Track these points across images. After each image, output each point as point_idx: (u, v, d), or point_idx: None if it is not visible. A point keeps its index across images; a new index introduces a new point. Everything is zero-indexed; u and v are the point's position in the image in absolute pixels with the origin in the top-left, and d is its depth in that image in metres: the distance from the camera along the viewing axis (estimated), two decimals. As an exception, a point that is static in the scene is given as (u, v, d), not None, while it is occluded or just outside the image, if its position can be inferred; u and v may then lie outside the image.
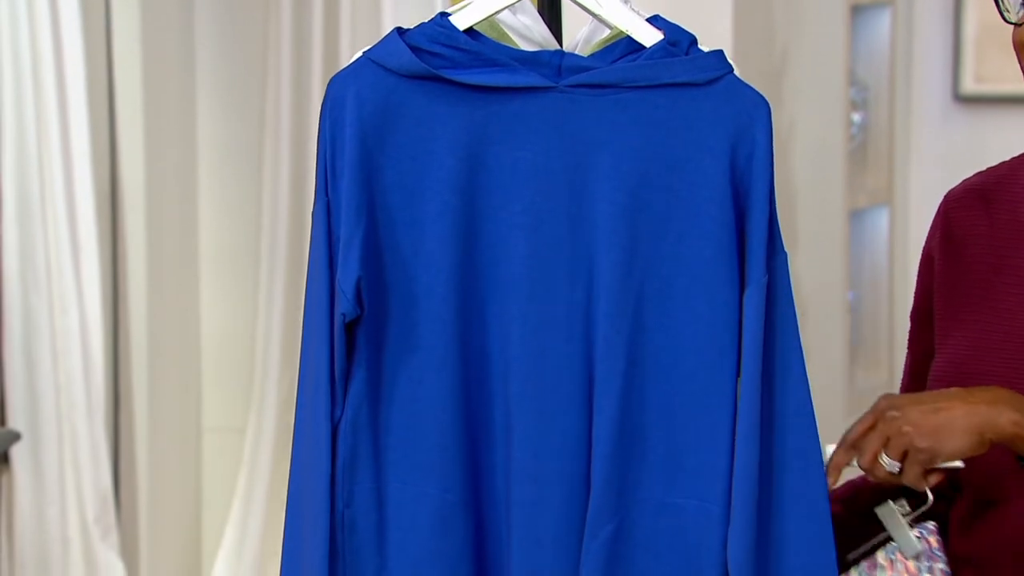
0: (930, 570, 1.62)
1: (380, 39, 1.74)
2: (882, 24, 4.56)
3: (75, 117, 3.54)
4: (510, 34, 1.77)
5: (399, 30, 1.70)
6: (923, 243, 1.87)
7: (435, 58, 1.68)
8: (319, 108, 4.51)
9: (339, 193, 1.68)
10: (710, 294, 1.65)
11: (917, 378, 1.84)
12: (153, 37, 3.81)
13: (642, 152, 1.68)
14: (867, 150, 4.59)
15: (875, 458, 1.61)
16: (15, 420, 3.52)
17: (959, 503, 1.77)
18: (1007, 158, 1.83)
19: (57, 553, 3.60)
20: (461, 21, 1.70)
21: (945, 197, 1.83)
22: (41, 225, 3.50)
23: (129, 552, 3.80)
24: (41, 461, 3.57)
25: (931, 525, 1.63)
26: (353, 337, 1.68)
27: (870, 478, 1.65)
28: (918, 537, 1.62)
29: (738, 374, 1.66)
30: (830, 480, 1.63)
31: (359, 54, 1.74)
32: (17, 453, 3.53)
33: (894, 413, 1.61)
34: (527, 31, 1.78)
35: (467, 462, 1.70)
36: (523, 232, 1.69)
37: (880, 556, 1.63)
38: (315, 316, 1.69)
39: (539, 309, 1.68)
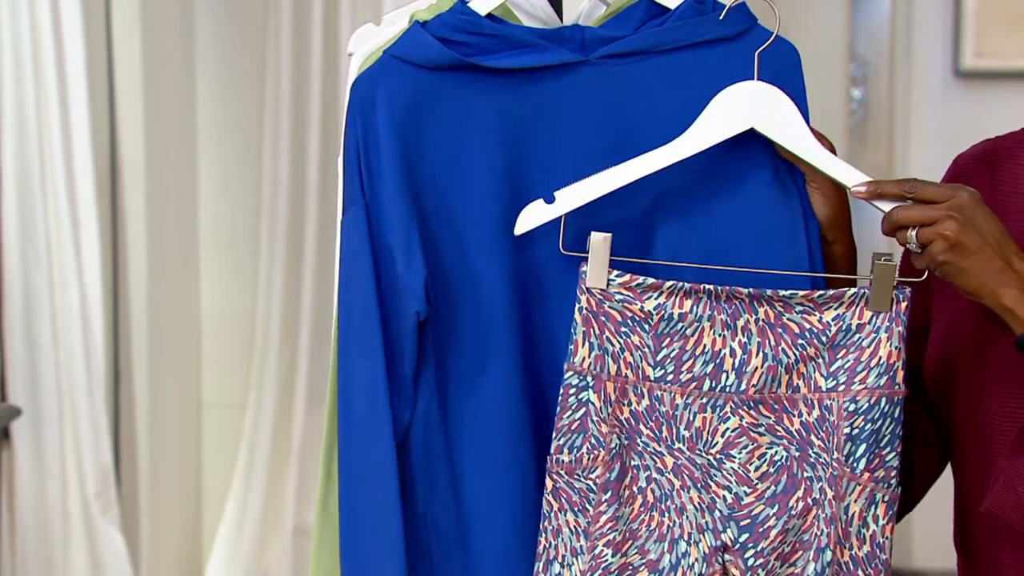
0: (888, 330, 1.64)
1: (394, 29, 1.72)
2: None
3: (75, 94, 3.54)
4: (516, 12, 1.76)
5: (419, 23, 1.69)
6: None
7: (462, 47, 1.66)
8: (319, 87, 4.48)
9: (380, 194, 1.66)
10: (774, 239, 1.67)
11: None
12: (153, 15, 3.80)
13: (682, 113, 1.67)
14: (867, 126, 4.59)
15: (909, 225, 1.61)
16: (16, 396, 3.52)
17: (958, 491, 1.77)
18: (1007, 132, 1.82)
19: (58, 528, 3.60)
20: (482, 6, 1.69)
21: (954, 161, 1.83)
22: (41, 202, 3.50)
23: (129, 527, 3.81)
24: (42, 437, 3.57)
25: (908, 292, 1.65)
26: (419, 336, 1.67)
27: (882, 221, 1.64)
28: (892, 299, 1.64)
29: None
30: (866, 191, 1.65)
31: (379, 51, 1.72)
32: (18, 429, 3.53)
33: (962, 216, 1.60)
34: (531, 8, 1.78)
35: (538, 445, 1.69)
36: None
37: (848, 294, 1.65)
38: (364, 321, 1.65)
39: None
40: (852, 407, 1.63)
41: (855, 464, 1.63)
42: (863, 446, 1.63)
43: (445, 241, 1.67)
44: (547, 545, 1.67)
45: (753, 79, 1.66)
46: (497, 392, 1.68)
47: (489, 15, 1.69)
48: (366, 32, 1.79)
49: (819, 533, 1.63)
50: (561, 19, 1.81)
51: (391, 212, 1.65)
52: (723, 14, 1.68)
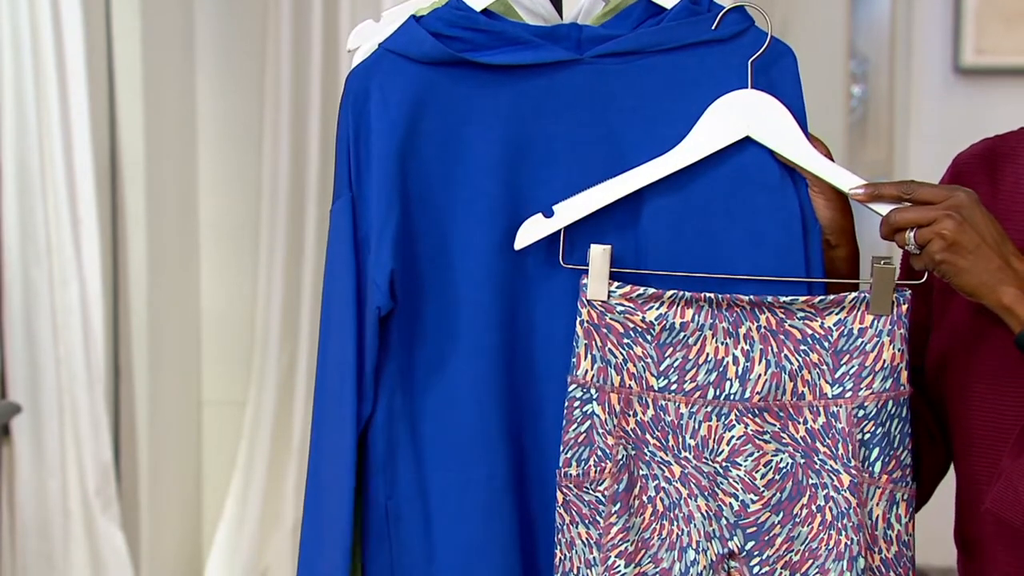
0: (890, 334, 1.63)
1: (393, 27, 1.72)
2: (882, -4, 4.54)
3: (75, 90, 3.53)
4: (517, 9, 1.76)
5: (414, 18, 1.68)
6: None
7: (456, 42, 1.66)
8: (318, 82, 4.47)
9: (366, 187, 1.66)
10: (774, 243, 1.66)
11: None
12: (153, 14, 3.80)
13: (674, 114, 1.67)
14: (867, 123, 4.59)
15: (907, 227, 1.61)
16: (16, 393, 3.52)
17: (958, 490, 1.77)
18: (1007, 130, 1.82)
19: (58, 525, 3.60)
20: (477, 2, 1.68)
21: (954, 160, 1.82)
22: (41, 198, 3.50)
23: (130, 524, 3.81)
24: (42, 434, 3.57)
25: (908, 294, 1.65)
26: (384, 330, 1.67)
27: (881, 225, 1.63)
28: (893, 302, 1.64)
29: None
30: (863, 194, 1.64)
31: (376, 46, 1.71)
32: (18, 426, 3.53)
33: (959, 215, 1.60)
34: (532, 4, 1.77)
35: (512, 445, 1.69)
36: None
37: (848, 298, 1.64)
38: (339, 312, 1.66)
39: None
40: (861, 413, 1.63)
41: (872, 468, 1.63)
42: (876, 450, 1.63)
43: (425, 235, 1.67)
44: (562, 557, 1.68)
45: (748, 81, 1.66)
46: (469, 388, 1.68)
47: (486, 11, 1.69)
48: (365, 29, 1.79)
49: (848, 542, 1.63)
50: (561, 16, 1.81)
51: (372, 206, 1.65)
52: (717, 21, 1.68)
